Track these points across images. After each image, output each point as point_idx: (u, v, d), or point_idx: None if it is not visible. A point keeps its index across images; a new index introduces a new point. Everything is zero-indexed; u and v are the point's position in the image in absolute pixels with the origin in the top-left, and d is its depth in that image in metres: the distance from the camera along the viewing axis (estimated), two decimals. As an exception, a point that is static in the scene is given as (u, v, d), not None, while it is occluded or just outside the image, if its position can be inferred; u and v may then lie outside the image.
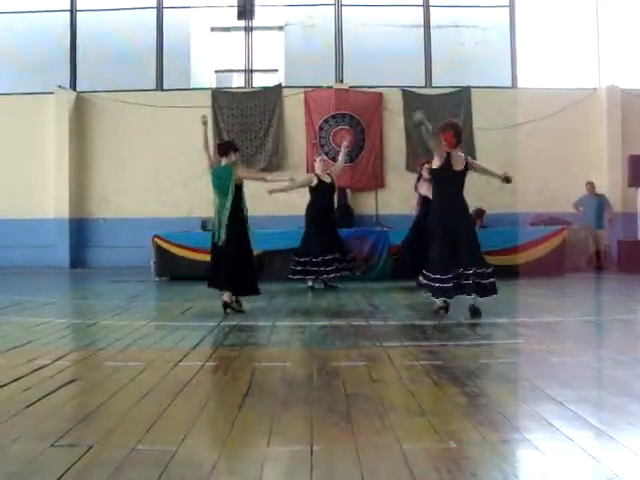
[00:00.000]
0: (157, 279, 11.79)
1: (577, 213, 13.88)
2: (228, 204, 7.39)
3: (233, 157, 7.74)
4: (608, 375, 4.39)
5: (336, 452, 2.89)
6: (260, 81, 16.56)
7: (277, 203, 14.05)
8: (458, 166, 6.98)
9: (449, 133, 6.96)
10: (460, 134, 7.07)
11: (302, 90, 15.37)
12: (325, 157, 11.05)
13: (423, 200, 9.80)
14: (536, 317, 7.18)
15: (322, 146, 15.09)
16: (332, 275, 10.05)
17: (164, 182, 15.31)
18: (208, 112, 15.30)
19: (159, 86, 15.79)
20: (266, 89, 15.73)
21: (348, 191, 15.07)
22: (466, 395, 3.76)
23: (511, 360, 4.94)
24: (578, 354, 5.02)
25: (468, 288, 6.72)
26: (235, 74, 17.93)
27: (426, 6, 15.90)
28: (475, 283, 6.70)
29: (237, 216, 7.45)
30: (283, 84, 15.86)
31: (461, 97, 15.44)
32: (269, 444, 2.98)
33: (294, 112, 15.33)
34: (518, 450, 2.97)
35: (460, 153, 7.10)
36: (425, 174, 9.75)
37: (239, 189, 7.57)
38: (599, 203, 13.77)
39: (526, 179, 15.03)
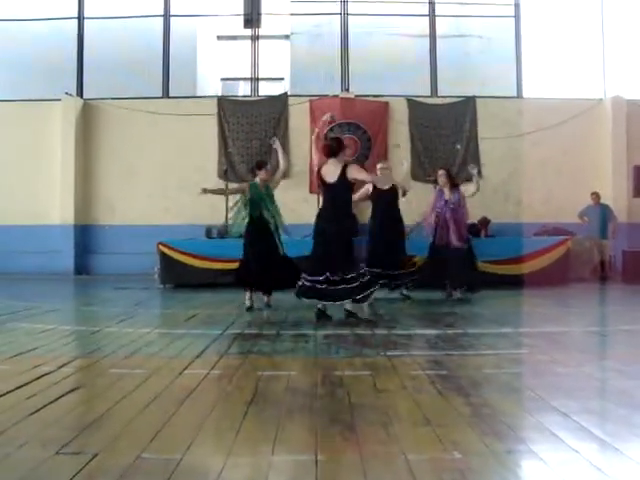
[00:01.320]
0: (161, 286, 11.80)
1: (582, 223, 13.86)
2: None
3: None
4: (612, 386, 4.38)
5: (341, 462, 2.89)
6: (266, 89, 16.61)
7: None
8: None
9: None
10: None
11: (308, 99, 15.41)
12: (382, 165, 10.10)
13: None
14: (540, 327, 7.18)
15: (327, 154, 15.11)
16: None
17: (169, 189, 15.35)
18: (214, 120, 15.41)
19: (165, 94, 15.86)
20: (272, 97, 15.78)
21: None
22: (471, 405, 3.76)
23: (515, 370, 4.94)
24: (582, 365, 5.02)
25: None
26: (241, 82, 18.00)
27: (432, 16, 15.95)
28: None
29: None
30: (289, 93, 15.92)
31: (466, 107, 15.47)
32: (274, 453, 2.98)
33: (300, 120, 15.36)
34: (523, 461, 2.96)
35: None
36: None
37: None
38: (604, 213, 13.75)
39: (531, 189, 15.07)
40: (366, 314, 7.39)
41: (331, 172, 7.33)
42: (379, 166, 9.94)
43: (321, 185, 7.55)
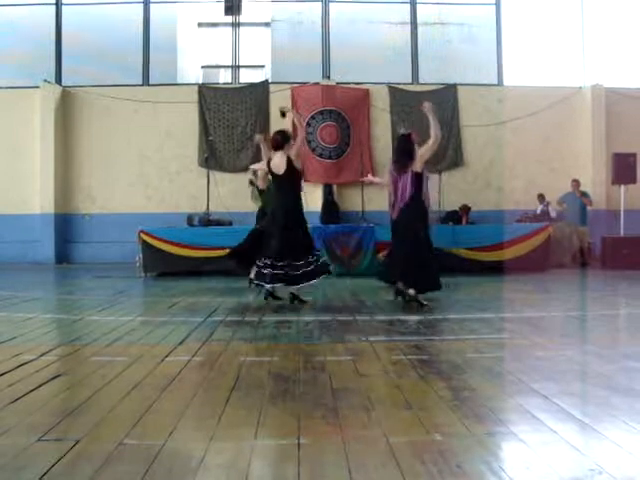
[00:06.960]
0: (143, 275, 11.76)
1: (560, 210, 13.99)
2: None
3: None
4: (592, 369, 4.43)
5: (323, 446, 2.90)
6: (247, 77, 16.56)
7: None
8: None
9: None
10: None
11: (289, 86, 15.38)
12: None
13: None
14: (521, 312, 7.24)
15: (309, 142, 15.10)
16: None
17: (150, 177, 15.28)
18: (194, 107, 15.32)
19: (145, 81, 15.74)
20: (253, 85, 15.72)
21: (334, 187, 15.12)
22: (452, 389, 3.79)
23: (496, 354, 4.97)
24: (562, 348, 5.07)
25: None
26: (222, 70, 17.91)
27: (413, 3, 15.96)
28: None
29: None
30: (270, 80, 15.86)
31: (447, 94, 15.50)
32: (256, 437, 2.99)
33: (281, 108, 15.31)
34: (503, 442, 2.99)
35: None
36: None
37: None
38: (581, 200, 13.87)
39: (512, 176, 15.16)
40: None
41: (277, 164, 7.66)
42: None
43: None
